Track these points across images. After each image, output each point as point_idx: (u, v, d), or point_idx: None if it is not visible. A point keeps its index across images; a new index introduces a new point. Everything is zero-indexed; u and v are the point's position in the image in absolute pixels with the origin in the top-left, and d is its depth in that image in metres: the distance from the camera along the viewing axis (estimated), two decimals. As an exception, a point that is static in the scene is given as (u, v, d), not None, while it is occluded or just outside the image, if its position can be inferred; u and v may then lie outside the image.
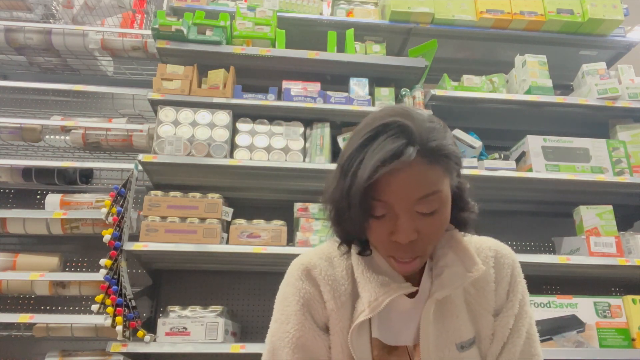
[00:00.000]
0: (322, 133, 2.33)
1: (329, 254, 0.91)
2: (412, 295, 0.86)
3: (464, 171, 0.83)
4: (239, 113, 2.34)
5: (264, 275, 2.49)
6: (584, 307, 2.12)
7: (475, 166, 2.31)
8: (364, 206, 0.75)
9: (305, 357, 0.84)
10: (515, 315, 0.88)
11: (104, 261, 1.93)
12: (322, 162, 2.26)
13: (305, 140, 2.35)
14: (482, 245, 0.92)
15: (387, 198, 0.74)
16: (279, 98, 2.36)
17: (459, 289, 0.86)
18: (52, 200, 2.19)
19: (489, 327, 0.88)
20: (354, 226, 0.79)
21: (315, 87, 2.38)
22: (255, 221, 2.17)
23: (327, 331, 0.87)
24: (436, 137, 0.74)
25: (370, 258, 0.87)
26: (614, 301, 2.15)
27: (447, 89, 2.43)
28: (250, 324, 2.42)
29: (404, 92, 2.45)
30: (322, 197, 0.84)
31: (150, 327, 2.23)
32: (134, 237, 2.08)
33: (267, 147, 2.29)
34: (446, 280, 0.84)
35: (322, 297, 0.87)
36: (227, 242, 2.14)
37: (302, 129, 2.35)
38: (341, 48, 2.51)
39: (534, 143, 2.38)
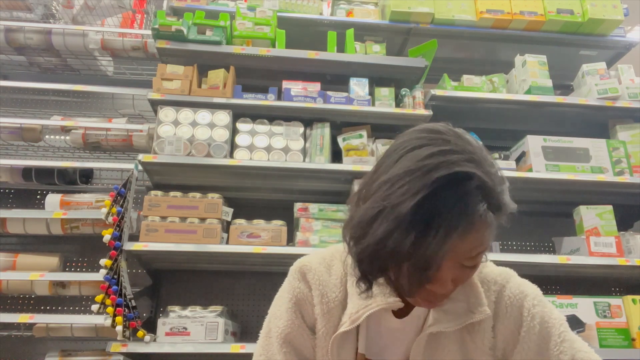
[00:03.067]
0: (322, 133, 2.33)
1: (330, 260, 0.91)
2: (402, 314, 0.84)
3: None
4: (239, 113, 2.34)
5: (264, 275, 2.49)
6: (584, 307, 2.12)
7: (475, 166, 2.31)
8: None
9: (291, 352, 0.86)
10: (537, 351, 0.80)
11: (104, 261, 1.93)
12: (322, 162, 2.26)
13: (305, 140, 2.35)
14: (488, 277, 0.86)
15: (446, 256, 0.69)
16: (279, 98, 2.36)
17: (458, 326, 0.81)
18: (52, 200, 2.19)
19: None
20: (411, 280, 0.72)
21: (315, 87, 2.38)
22: (255, 221, 2.17)
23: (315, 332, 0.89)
24: (503, 189, 0.69)
25: None
26: (614, 301, 2.15)
27: (447, 89, 2.43)
28: (250, 324, 2.42)
29: (404, 92, 2.45)
30: (353, 235, 0.74)
31: (150, 327, 2.23)
32: (134, 237, 2.08)
33: (267, 147, 2.29)
34: (445, 315, 0.80)
35: (313, 300, 0.88)
36: (227, 242, 2.13)
37: (302, 129, 2.35)
38: (341, 48, 2.51)
39: (534, 143, 2.37)
